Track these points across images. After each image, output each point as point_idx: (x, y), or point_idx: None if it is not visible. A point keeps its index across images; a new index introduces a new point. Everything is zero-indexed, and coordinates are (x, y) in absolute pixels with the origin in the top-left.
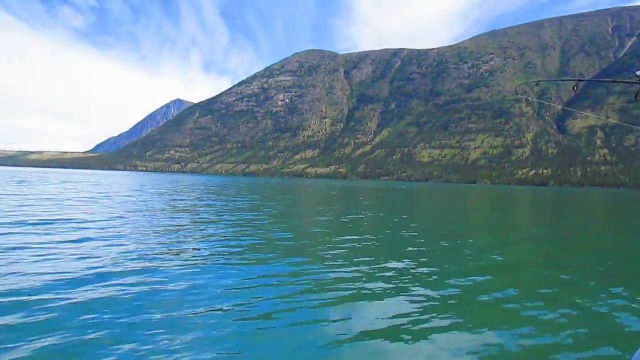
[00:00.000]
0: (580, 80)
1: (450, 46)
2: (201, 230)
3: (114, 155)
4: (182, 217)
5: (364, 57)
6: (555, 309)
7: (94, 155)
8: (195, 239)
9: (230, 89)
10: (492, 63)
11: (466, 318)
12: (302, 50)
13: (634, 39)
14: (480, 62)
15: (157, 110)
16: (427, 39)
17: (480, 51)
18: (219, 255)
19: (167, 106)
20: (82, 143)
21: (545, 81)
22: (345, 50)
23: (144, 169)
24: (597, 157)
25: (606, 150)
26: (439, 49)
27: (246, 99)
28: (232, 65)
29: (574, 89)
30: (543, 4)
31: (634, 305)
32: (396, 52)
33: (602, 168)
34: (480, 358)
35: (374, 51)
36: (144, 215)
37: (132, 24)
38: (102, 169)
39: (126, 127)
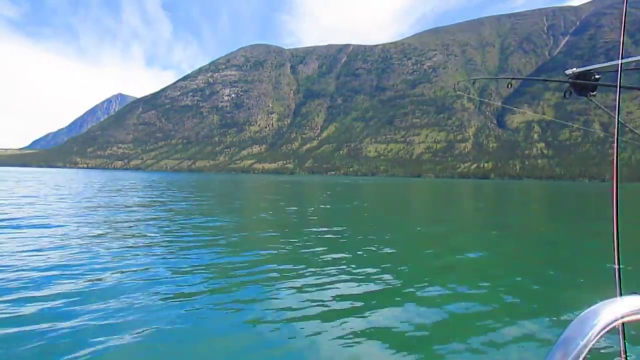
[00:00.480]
0: (513, 79)
1: (394, 42)
2: (155, 227)
3: (52, 151)
4: (138, 214)
5: (310, 52)
6: (496, 288)
7: (31, 151)
8: (149, 236)
9: (175, 83)
10: (435, 59)
11: (410, 298)
12: (248, 44)
13: (567, 38)
14: (424, 58)
15: (97, 105)
16: (372, 34)
17: (423, 48)
18: (164, 248)
19: (109, 101)
20: (17, 139)
21: (480, 79)
22: (291, 44)
23: (85, 165)
24: (534, 150)
25: (542, 144)
26: (384, 45)
27: (191, 94)
28: (175, 59)
29: (508, 86)
30: (482, 3)
31: (562, 283)
32: (342, 48)
33: (539, 161)
34: (423, 334)
35: (319, 46)
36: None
37: (70, 14)
38: (40, 166)
39: (65, 123)
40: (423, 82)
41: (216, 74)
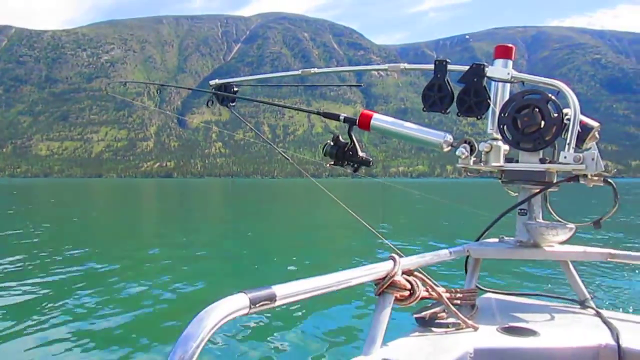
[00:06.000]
0: (163, 85)
1: (66, 30)
2: None
3: None
4: None
5: None
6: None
7: None
8: None
9: None
10: (113, 53)
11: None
12: None
13: (239, 45)
14: (100, 51)
15: None
16: (38, 18)
17: (99, 40)
18: None
19: None
20: None
21: (130, 82)
22: None
23: None
24: (214, 149)
25: (220, 144)
26: (54, 31)
27: None
28: None
29: (157, 92)
30: (161, 0)
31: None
32: (1, 29)
33: (218, 160)
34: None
35: None
36: None
37: None
38: None
39: None
40: (100, 76)
41: None
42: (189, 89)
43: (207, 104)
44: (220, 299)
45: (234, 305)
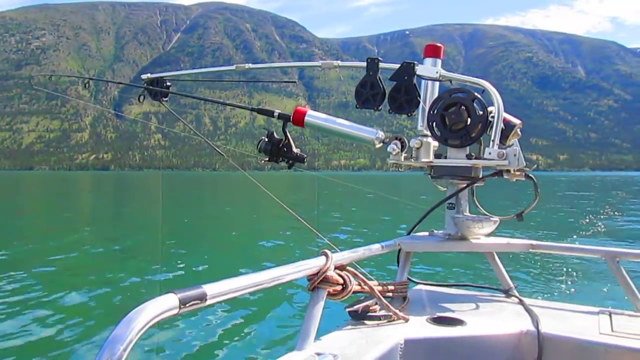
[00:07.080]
0: (90, 79)
1: None
2: None
3: None
4: None
5: None
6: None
7: None
8: None
9: None
10: (44, 39)
11: None
12: None
13: (179, 34)
14: (30, 37)
15: None
16: None
17: (29, 25)
18: None
19: None
20: None
21: (57, 75)
22: None
23: None
24: (153, 141)
25: (160, 135)
26: None
27: None
28: None
29: (85, 85)
30: None
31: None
32: None
33: (158, 152)
34: None
35: None
36: None
37: None
38: None
39: None
40: (31, 63)
41: None
42: (119, 83)
43: (139, 99)
44: (149, 300)
45: (162, 305)
